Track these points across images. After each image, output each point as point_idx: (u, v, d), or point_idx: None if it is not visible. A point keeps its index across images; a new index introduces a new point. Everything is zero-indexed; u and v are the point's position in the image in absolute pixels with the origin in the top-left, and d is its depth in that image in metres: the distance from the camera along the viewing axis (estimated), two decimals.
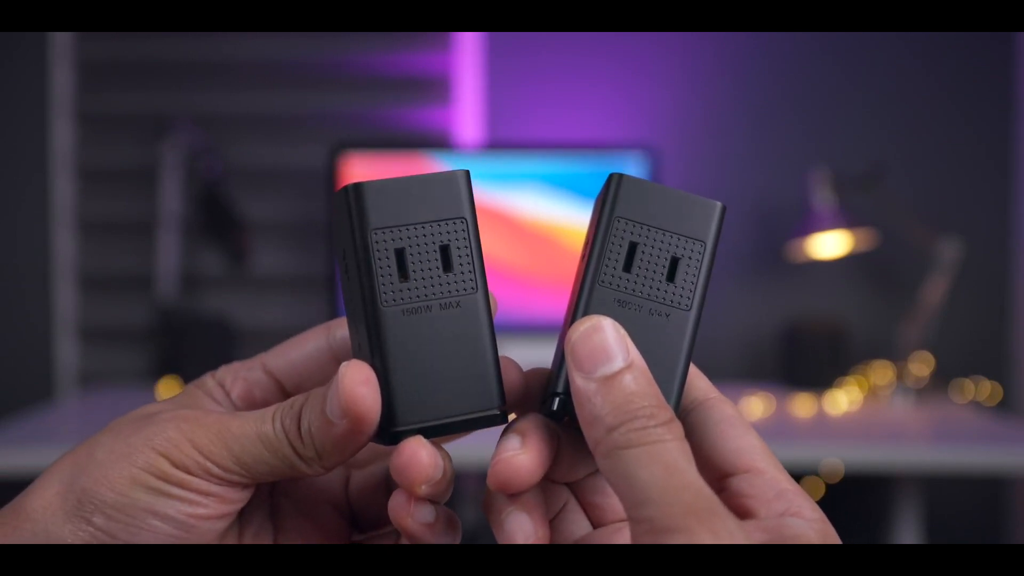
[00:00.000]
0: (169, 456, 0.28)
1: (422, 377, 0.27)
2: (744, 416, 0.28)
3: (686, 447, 0.25)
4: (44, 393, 1.70)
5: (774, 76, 1.71)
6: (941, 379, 1.62)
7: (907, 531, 1.46)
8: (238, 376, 0.33)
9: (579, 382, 0.26)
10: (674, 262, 0.28)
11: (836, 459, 1.18)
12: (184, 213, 1.65)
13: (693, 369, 0.29)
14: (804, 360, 1.56)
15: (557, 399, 0.28)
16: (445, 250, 0.28)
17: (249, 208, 1.67)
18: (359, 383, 0.27)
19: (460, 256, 0.28)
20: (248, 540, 0.32)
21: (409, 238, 0.27)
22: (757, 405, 1.45)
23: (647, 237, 0.28)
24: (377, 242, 0.27)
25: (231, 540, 0.31)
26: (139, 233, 1.69)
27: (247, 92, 1.70)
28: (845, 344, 1.57)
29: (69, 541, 0.27)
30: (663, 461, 0.24)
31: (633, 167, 1.54)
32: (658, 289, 0.28)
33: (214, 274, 1.70)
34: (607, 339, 0.26)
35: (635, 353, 0.26)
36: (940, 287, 1.53)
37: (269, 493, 0.33)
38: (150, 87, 1.71)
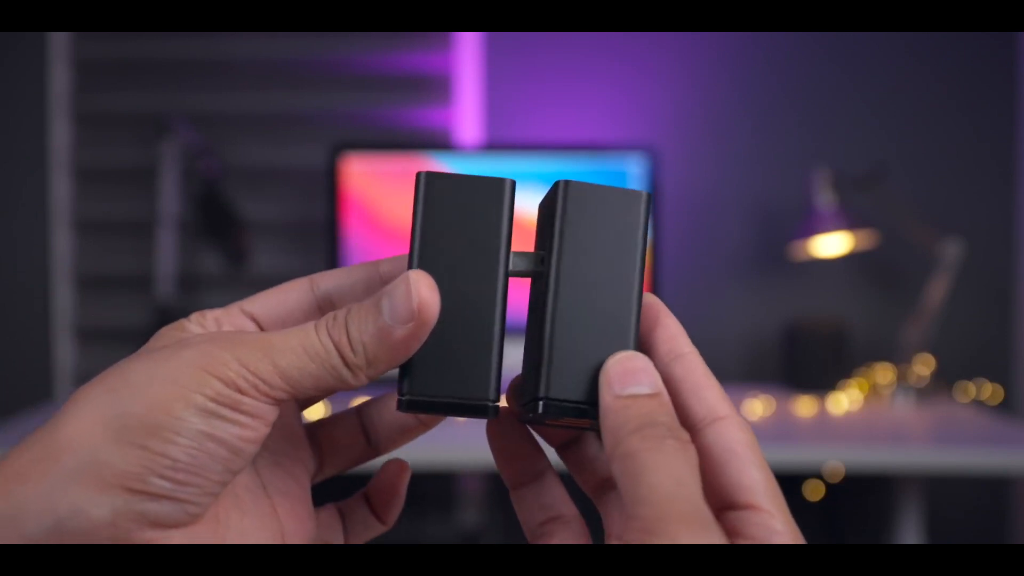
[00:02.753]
0: (220, 376, 0.27)
1: (437, 348, 0.29)
2: (753, 442, 0.28)
3: (696, 470, 0.26)
4: (43, 393, 1.70)
5: (774, 76, 1.70)
6: (943, 380, 1.61)
7: (909, 532, 1.46)
8: (221, 321, 0.32)
9: (608, 398, 0.27)
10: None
11: (838, 460, 1.17)
12: (183, 213, 1.64)
13: (704, 380, 0.29)
14: (805, 361, 1.56)
15: (540, 403, 0.29)
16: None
17: (249, 208, 1.67)
18: (428, 288, 0.28)
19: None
20: (242, 480, 0.31)
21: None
22: (759, 406, 1.44)
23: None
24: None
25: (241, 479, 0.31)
26: (137, 233, 1.69)
27: (246, 92, 1.70)
28: (847, 345, 1.57)
29: (122, 467, 0.26)
30: (673, 473, 0.25)
31: (633, 167, 1.54)
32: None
33: (213, 274, 1.70)
34: (640, 366, 0.28)
35: (662, 386, 0.28)
36: (942, 288, 1.52)
37: None
38: (148, 87, 1.71)
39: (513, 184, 0.30)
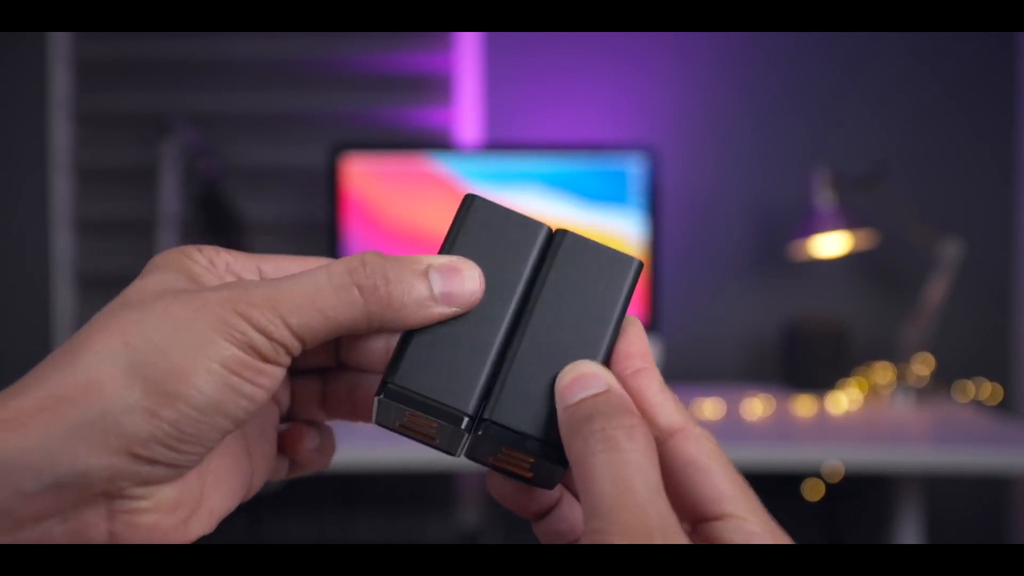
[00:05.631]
0: (245, 341, 0.26)
1: (433, 351, 0.29)
2: (714, 450, 0.27)
3: (647, 459, 0.25)
4: None
5: (775, 76, 1.70)
6: (942, 380, 1.62)
7: (908, 531, 1.46)
8: (234, 271, 0.30)
9: (560, 411, 0.28)
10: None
11: (837, 460, 1.18)
12: (183, 213, 1.64)
13: (661, 393, 0.28)
14: (805, 360, 1.56)
15: (484, 424, 0.29)
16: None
17: (249, 208, 1.67)
18: (480, 283, 0.29)
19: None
20: None
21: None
22: (758, 406, 1.44)
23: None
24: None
25: None
26: (138, 233, 1.69)
27: (246, 92, 1.70)
28: (846, 344, 1.57)
29: (130, 432, 0.25)
30: (614, 476, 0.25)
31: (633, 167, 1.54)
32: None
33: None
34: (587, 371, 0.28)
35: (613, 382, 0.28)
36: (941, 287, 1.52)
37: None
38: (149, 86, 1.71)
39: (550, 231, 0.31)
